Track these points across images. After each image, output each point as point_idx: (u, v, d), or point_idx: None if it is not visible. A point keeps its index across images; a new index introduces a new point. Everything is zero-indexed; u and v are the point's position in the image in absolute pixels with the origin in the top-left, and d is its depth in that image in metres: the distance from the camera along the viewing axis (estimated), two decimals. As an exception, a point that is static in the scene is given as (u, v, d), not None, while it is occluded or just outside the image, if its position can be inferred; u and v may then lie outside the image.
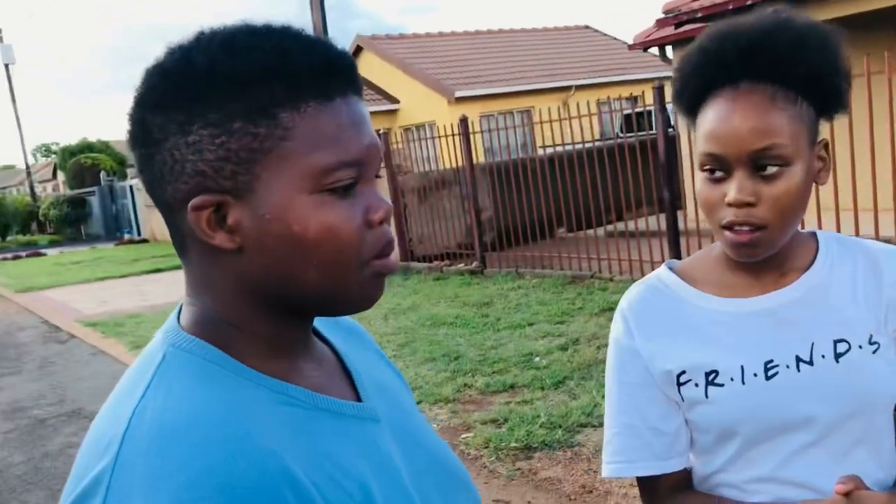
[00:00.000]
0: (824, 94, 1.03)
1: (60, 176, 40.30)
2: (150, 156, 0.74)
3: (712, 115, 1.02)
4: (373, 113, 19.88)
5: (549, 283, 8.44)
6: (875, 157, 5.69)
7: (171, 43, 0.75)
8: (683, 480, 1.16)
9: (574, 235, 9.00)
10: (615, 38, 23.28)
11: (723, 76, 1.02)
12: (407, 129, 18.85)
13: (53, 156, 55.55)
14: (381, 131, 11.62)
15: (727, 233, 1.03)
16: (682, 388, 1.12)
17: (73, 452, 0.70)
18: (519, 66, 20.47)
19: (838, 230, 5.23)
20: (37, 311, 11.72)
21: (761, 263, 1.08)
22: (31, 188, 34.67)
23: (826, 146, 1.07)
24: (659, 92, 7.61)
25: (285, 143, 0.72)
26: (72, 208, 28.33)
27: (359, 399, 0.85)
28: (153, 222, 22.01)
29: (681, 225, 7.76)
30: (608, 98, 9.02)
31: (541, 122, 9.23)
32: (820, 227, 5.22)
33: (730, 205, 1.01)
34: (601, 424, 4.35)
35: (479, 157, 10.26)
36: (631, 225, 8.48)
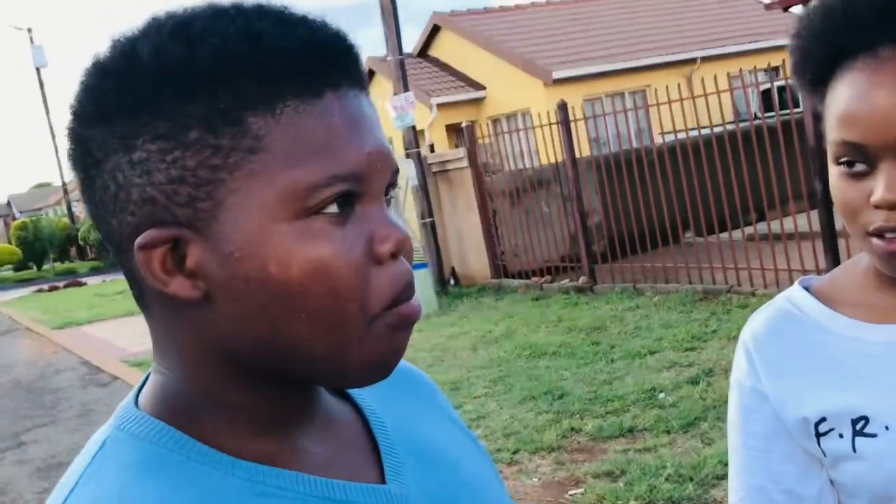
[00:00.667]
0: None
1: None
2: (90, 180, 0.68)
3: (847, 93, 0.96)
4: (456, 103, 20.12)
5: (675, 300, 8.36)
6: None
7: (116, 33, 0.68)
8: None
9: (705, 241, 8.89)
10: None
11: (856, 41, 0.96)
12: (496, 121, 18.96)
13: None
14: (464, 124, 11.71)
15: (876, 241, 0.96)
16: (821, 439, 1.08)
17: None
18: (629, 37, 20.29)
19: None
20: (76, 351, 12.32)
21: None
22: (69, 208, 36.58)
23: None
24: (804, 59, 7.42)
25: (256, 157, 0.64)
26: (114, 230, 29.74)
27: (384, 479, 0.78)
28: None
29: (838, 224, 7.52)
30: (740, 71, 8.85)
31: (657, 105, 9.15)
32: None
33: (877, 206, 0.94)
34: (721, 478, 4.25)
35: (584, 150, 10.23)
36: (776, 226, 8.29)
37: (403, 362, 0.86)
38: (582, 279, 9.92)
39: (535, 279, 10.56)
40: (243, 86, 0.64)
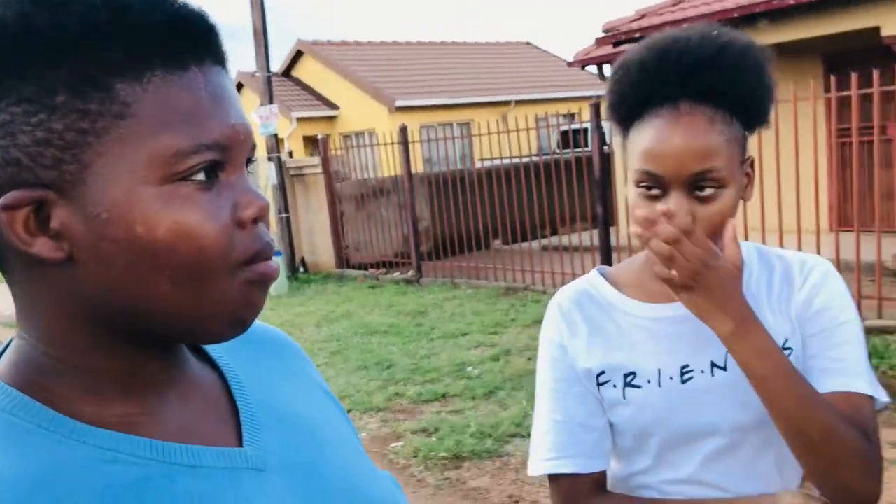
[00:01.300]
0: (757, 113, 1.08)
1: None
2: None
3: (652, 134, 1.04)
4: (313, 118, 19.75)
5: (484, 293, 8.51)
6: (800, 181, 5.92)
7: None
8: (602, 483, 1.18)
9: (510, 248, 9.10)
10: (555, 56, 23.65)
11: (662, 93, 1.03)
12: (347, 136, 18.74)
13: None
14: (320, 136, 11.55)
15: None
16: (601, 388, 1.15)
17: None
18: (460, 78, 20.59)
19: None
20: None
21: None
22: None
23: (752, 163, 1.11)
24: (595, 109, 7.77)
25: (124, 122, 0.57)
26: None
27: (241, 442, 0.67)
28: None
29: (612, 241, 7.93)
30: (545, 114, 9.16)
31: (479, 135, 9.32)
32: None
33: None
34: (530, 434, 4.41)
35: (419, 166, 10.30)
36: (565, 239, 8.62)
37: (270, 326, 0.83)
38: (410, 273, 9.96)
39: (371, 271, 10.52)
40: (110, 54, 0.56)
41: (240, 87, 19.39)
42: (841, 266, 3.67)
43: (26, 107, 0.55)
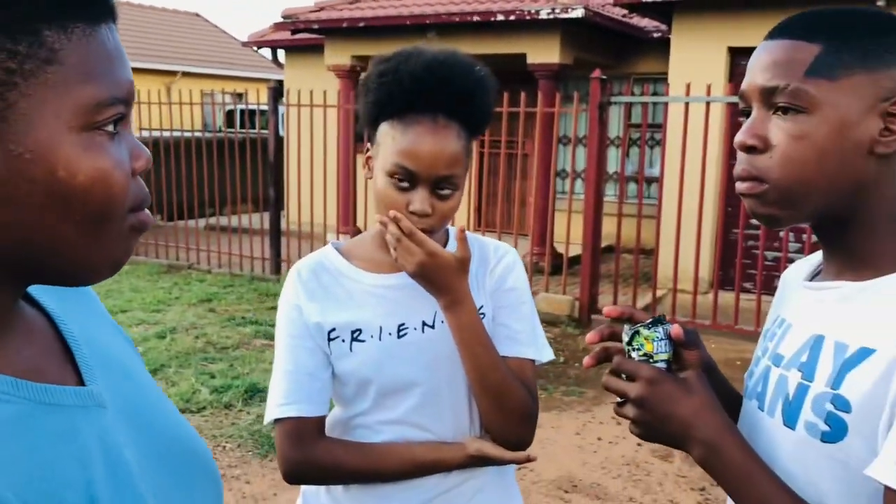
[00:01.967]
0: (479, 131, 1.34)
1: None
2: None
3: (413, 137, 1.24)
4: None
5: (144, 270, 8.17)
6: (469, 178, 6.62)
7: None
8: (322, 427, 1.37)
9: (173, 225, 8.79)
10: (225, 32, 23.09)
11: (425, 105, 1.25)
12: None
13: None
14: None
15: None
16: (331, 343, 1.34)
17: None
18: (122, 40, 19.20)
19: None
20: None
21: None
22: None
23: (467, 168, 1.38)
24: (274, 92, 7.88)
25: (52, 69, 0.59)
26: None
27: (81, 381, 0.70)
28: None
29: (282, 225, 8.10)
30: (212, 91, 9.01)
31: (139, 103, 8.79)
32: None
33: (412, 212, 1.25)
34: (199, 410, 4.43)
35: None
36: (231, 220, 8.58)
37: None
38: (56, 244, 9.16)
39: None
40: (40, 2, 0.59)
41: None
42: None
43: None
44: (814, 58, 0.89)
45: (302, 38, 10.97)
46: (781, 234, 6.31)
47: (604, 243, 7.50)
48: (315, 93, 7.80)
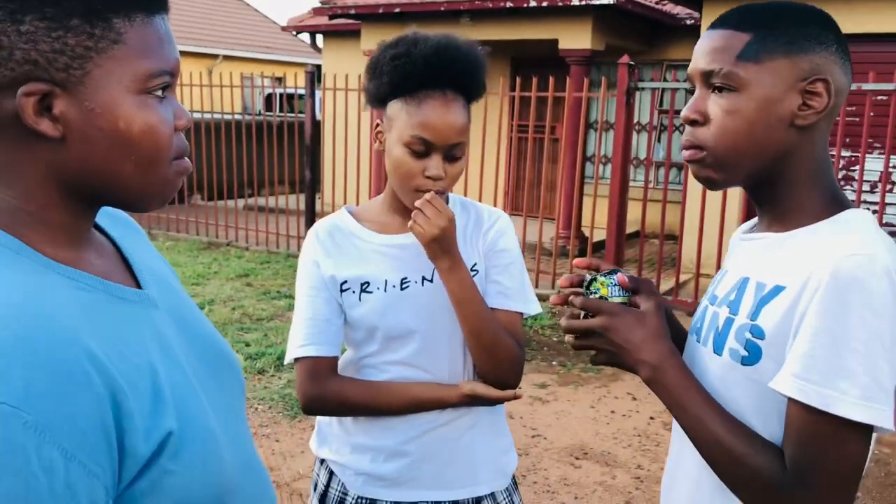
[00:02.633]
0: (479, 97, 1.53)
1: None
2: None
3: (428, 111, 1.41)
4: None
5: (185, 246, 8.47)
6: (483, 170, 6.81)
7: None
8: (335, 367, 1.57)
9: (214, 204, 9.09)
10: (266, 17, 23.42)
11: (435, 82, 1.43)
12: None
13: None
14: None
15: (417, 194, 1.46)
16: (343, 294, 1.54)
17: None
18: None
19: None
20: None
21: (410, 212, 1.53)
22: None
23: None
24: (311, 76, 8.10)
25: (117, 47, 0.78)
26: None
27: (138, 286, 0.91)
28: None
29: (318, 206, 8.34)
30: (251, 74, 9.25)
31: (181, 86, 9.10)
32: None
33: (428, 177, 1.43)
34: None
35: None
36: (268, 200, 8.82)
37: (126, 215, 1.05)
38: (102, 221, 9.50)
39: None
40: None
41: None
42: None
43: (48, 23, 0.75)
44: (744, 45, 1.06)
45: (339, 24, 11.19)
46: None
47: (630, 229, 7.62)
48: (351, 77, 8.01)
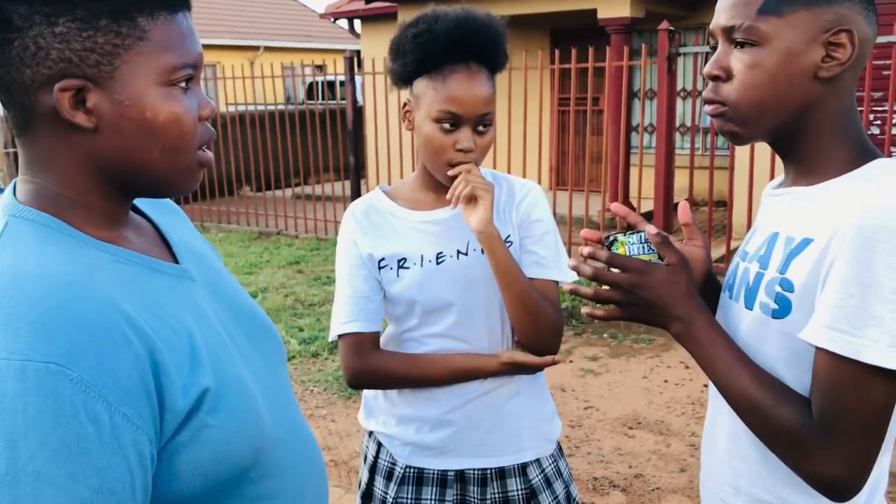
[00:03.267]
0: (502, 67, 1.54)
1: None
2: (6, 41, 0.81)
3: (454, 85, 1.44)
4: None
5: (236, 237, 8.64)
6: (527, 144, 6.79)
7: None
8: (377, 341, 1.61)
9: (262, 195, 9.24)
10: (304, 5, 23.59)
11: (459, 56, 1.46)
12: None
13: None
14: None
15: (448, 167, 1.48)
16: (382, 270, 1.58)
17: None
18: (204, 18, 19.89)
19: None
20: None
21: (443, 186, 1.56)
22: None
23: None
24: (350, 63, 8.15)
25: (142, 43, 0.84)
26: None
27: (176, 262, 0.98)
28: None
29: (363, 191, 8.42)
30: (292, 64, 9.35)
31: (224, 79, 9.19)
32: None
33: (459, 150, 1.46)
34: (290, 359, 4.81)
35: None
36: (315, 189, 8.93)
37: (167, 199, 1.11)
38: (156, 216, 9.72)
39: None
40: None
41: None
42: (557, 219, 4.43)
43: (79, 24, 0.81)
44: None
45: (376, 7, 11.21)
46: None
47: (678, 197, 7.53)
48: (389, 60, 8.02)
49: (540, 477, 1.65)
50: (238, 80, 8.99)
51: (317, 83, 9.66)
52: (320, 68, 10.72)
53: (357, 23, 12.86)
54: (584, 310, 1.16)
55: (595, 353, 4.93)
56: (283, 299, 6.07)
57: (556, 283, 1.62)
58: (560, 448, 1.75)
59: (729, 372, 1.07)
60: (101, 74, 0.83)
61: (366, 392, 1.72)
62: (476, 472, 1.62)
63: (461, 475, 1.62)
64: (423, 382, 1.59)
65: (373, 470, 1.69)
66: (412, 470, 1.63)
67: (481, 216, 1.47)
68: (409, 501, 1.63)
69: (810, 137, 1.10)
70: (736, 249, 6.72)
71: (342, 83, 9.27)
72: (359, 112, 8.40)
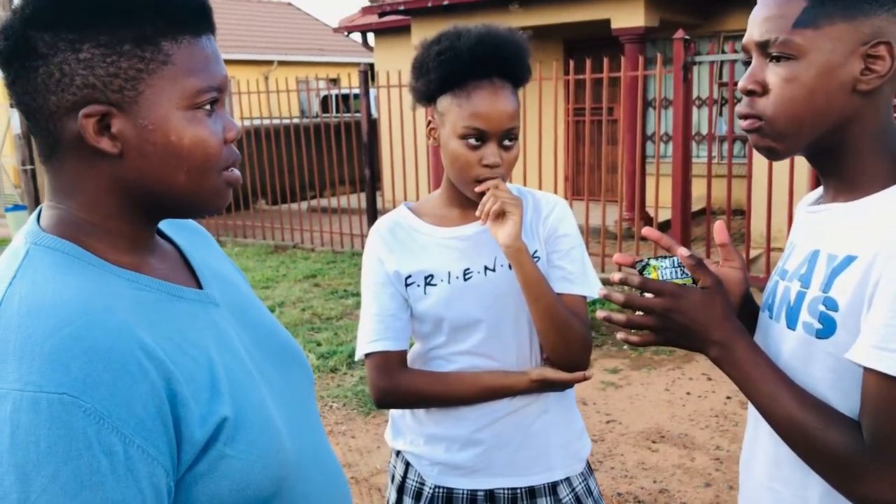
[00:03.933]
0: (525, 80, 1.53)
1: None
2: (32, 69, 0.81)
3: (479, 101, 1.43)
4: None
5: (252, 251, 8.66)
6: (542, 155, 6.77)
7: None
8: (404, 360, 1.60)
9: (277, 208, 9.27)
10: (317, 20, 23.72)
11: (483, 72, 1.45)
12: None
13: None
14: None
15: (475, 183, 1.47)
16: (408, 288, 1.57)
17: None
18: (218, 34, 19.96)
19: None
20: None
21: (469, 202, 1.55)
22: None
23: None
24: (364, 76, 8.17)
25: (166, 67, 0.84)
26: None
27: (200, 287, 0.97)
28: None
29: (378, 203, 8.42)
30: (306, 78, 9.38)
31: (239, 93, 9.26)
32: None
33: (486, 165, 1.45)
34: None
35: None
36: (331, 202, 8.94)
37: (192, 221, 1.11)
38: (172, 231, 9.76)
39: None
40: (160, 22, 0.84)
41: None
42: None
43: (103, 50, 0.81)
44: (800, 11, 1.03)
45: (389, 21, 11.26)
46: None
47: (696, 206, 7.49)
48: (404, 73, 8.04)
49: (570, 496, 1.63)
50: (253, 95, 8.98)
51: (331, 96, 9.69)
52: (334, 82, 10.77)
53: (370, 36, 12.92)
54: (619, 335, 1.13)
55: (616, 366, 4.89)
56: (301, 313, 6.07)
57: (584, 298, 1.59)
58: (589, 466, 1.72)
59: (772, 395, 1.04)
60: (126, 100, 0.83)
61: (393, 411, 1.70)
62: (506, 491, 1.59)
63: (491, 495, 1.60)
64: (452, 401, 1.57)
65: (401, 490, 1.67)
66: (441, 490, 1.61)
67: (509, 231, 1.46)
68: None
69: (849, 152, 1.07)
70: (754, 259, 6.69)
71: (356, 96, 9.30)
72: (373, 125, 8.42)
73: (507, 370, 1.57)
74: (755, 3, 1.12)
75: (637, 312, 1.12)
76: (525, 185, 1.60)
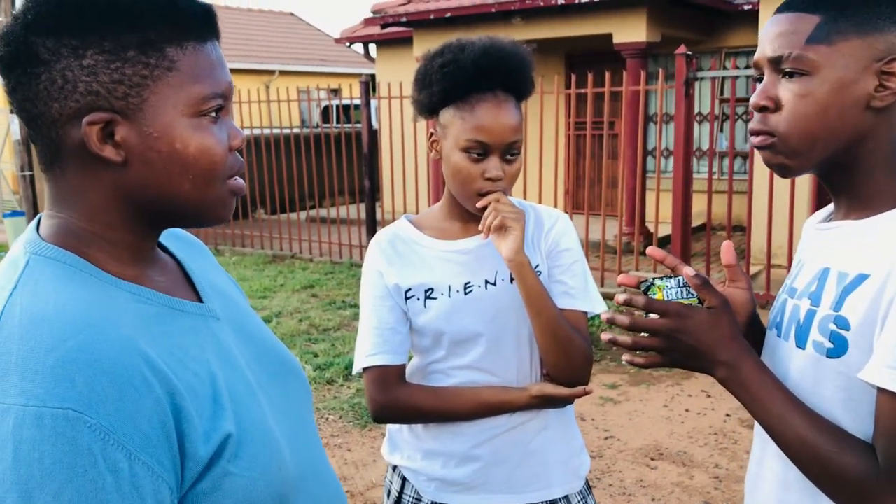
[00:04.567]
0: (529, 94, 1.53)
1: None
2: (34, 75, 0.80)
3: (482, 114, 1.42)
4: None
5: (250, 261, 8.63)
6: (542, 169, 6.77)
7: None
8: (403, 374, 1.58)
9: (276, 218, 9.26)
10: (319, 30, 23.78)
11: (486, 85, 1.44)
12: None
13: None
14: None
15: (478, 197, 1.46)
16: (408, 301, 1.55)
17: None
18: (221, 43, 20.07)
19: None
20: None
21: (470, 215, 1.54)
22: None
23: None
24: (366, 87, 8.18)
25: (171, 74, 0.82)
26: None
27: (200, 300, 0.95)
28: None
29: (378, 214, 8.41)
30: (307, 88, 9.39)
31: (240, 102, 9.25)
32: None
33: (488, 178, 1.44)
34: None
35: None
36: (330, 212, 8.94)
37: (191, 234, 1.11)
38: (170, 239, 9.76)
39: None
40: (165, 28, 0.82)
41: None
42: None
43: (107, 56, 0.80)
44: (813, 27, 1.02)
45: (392, 32, 11.28)
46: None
47: (696, 222, 7.48)
48: (406, 84, 8.06)
49: (569, 515, 1.60)
50: (254, 104, 8.99)
51: (332, 107, 9.70)
52: (335, 92, 10.79)
53: (372, 47, 12.94)
54: (625, 357, 1.11)
55: (614, 381, 4.87)
56: (298, 324, 6.04)
57: (585, 313, 1.58)
58: (588, 484, 1.70)
59: (782, 417, 1.02)
60: (130, 107, 0.81)
61: (390, 426, 1.68)
62: None
63: (488, 513, 1.57)
64: (451, 417, 1.55)
65: (397, 506, 1.64)
66: (438, 507, 1.59)
67: (511, 245, 1.44)
68: None
69: (862, 169, 1.06)
70: (755, 276, 6.68)
71: (357, 107, 9.32)
72: (374, 135, 8.42)
73: (506, 386, 1.55)
74: (757, 21, 1.12)
75: (642, 334, 1.11)
76: (525, 198, 1.59)
